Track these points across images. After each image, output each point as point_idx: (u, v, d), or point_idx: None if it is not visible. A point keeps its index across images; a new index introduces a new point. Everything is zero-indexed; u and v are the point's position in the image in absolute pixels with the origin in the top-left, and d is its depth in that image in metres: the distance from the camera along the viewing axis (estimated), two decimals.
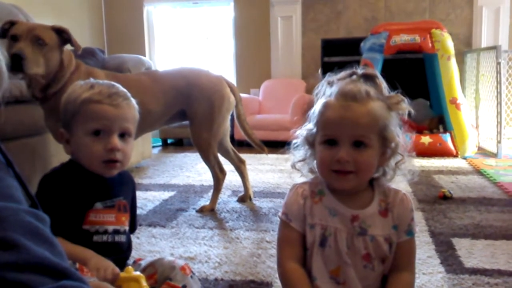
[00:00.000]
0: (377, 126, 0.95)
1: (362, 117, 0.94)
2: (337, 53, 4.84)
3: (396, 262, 1.01)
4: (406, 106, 1.00)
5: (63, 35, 1.97)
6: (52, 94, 1.95)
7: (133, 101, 1.21)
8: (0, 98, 0.60)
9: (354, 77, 1.00)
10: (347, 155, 0.93)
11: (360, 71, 1.01)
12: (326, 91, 1.01)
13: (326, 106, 0.98)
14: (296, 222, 1.02)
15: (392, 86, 1.02)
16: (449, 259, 1.67)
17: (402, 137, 0.99)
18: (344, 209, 0.99)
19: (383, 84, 1.01)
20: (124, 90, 1.20)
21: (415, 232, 1.02)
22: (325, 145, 0.97)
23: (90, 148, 1.12)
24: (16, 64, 1.77)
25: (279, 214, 1.06)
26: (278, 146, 3.94)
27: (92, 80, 1.21)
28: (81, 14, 5.19)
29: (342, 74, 1.02)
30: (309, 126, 1.03)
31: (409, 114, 1.01)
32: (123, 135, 1.16)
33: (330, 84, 1.01)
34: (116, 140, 1.13)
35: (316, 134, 1.00)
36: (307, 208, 1.01)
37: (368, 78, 1.00)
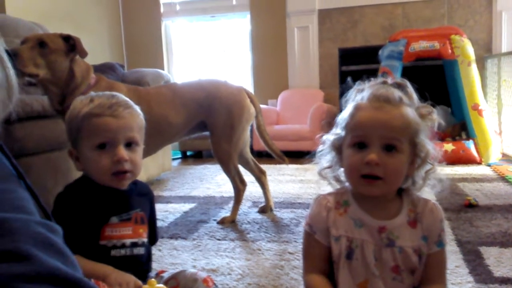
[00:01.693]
0: (409, 131, 0.93)
1: (395, 119, 0.92)
2: (354, 62, 4.82)
3: (427, 274, 0.97)
4: (436, 117, 0.98)
5: (70, 42, 1.98)
6: (69, 107, 1.97)
7: (137, 108, 1.18)
8: (12, 111, 0.60)
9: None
10: (377, 157, 0.90)
11: (390, 80, 1.00)
12: (357, 97, 0.99)
13: (357, 107, 0.96)
14: (320, 234, 1.00)
15: (420, 95, 1.01)
16: (478, 269, 1.63)
17: (432, 147, 0.97)
18: (371, 220, 0.97)
19: (414, 95, 0.99)
20: (126, 99, 1.17)
21: (445, 243, 0.99)
22: (354, 148, 0.94)
23: (97, 163, 1.11)
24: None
25: (304, 224, 1.04)
26: (297, 156, 3.89)
27: (92, 93, 1.19)
28: (100, 30, 5.28)
29: (373, 82, 1.01)
30: (337, 131, 1.01)
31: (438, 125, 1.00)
32: (129, 145, 1.14)
33: (360, 91, 0.99)
34: (122, 151, 1.11)
35: (344, 137, 0.98)
36: (331, 220, 0.99)
37: (399, 87, 0.98)
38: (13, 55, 1.80)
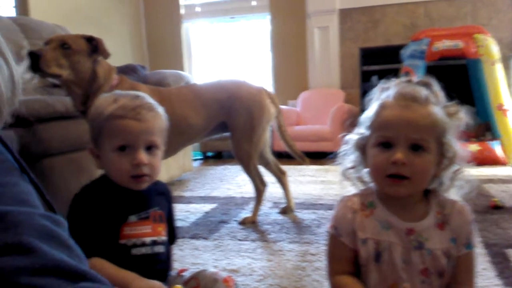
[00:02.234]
0: (436, 130, 0.90)
1: (422, 118, 0.89)
2: (376, 62, 4.77)
3: (455, 277, 0.95)
4: (463, 116, 0.95)
5: (93, 43, 1.99)
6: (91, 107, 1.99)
7: (160, 110, 1.16)
8: (16, 107, 0.61)
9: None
10: (404, 156, 0.88)
11: (415, 79, 0.97)
12: (382, 95, 0.96)
13: (383, 106, 0.93)
14: (347, 237, 0.97)
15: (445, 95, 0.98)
16: (506, 272, 1.58)
17: (460, 147, 0.94)
18: (398, 221, 0.94)
19: (440, 93, 0.96)
20: (150, 101, 1.15)
21: (474, 245, 0.96)
22: (380, 148, 0.92)
23: (117, 165, 1.10)
24: (32, 63, 1.84)
25: (328, 227, 1.01)
26: (317, 157, 3.84)
27: (117, 91, 1.18)
28: (122, 31, 5.34)
29: (397, 80, 0.98)
30: (361, 130, 0.98)
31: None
32: (150, 148, 1.12)
33: (385, 89, 0.97)
34: (141, 155, 1.10)
35: (369, 137, 0.95)
36: (357, 222, 0.96)
37: (425, 85, 0.95)
38: (36, 56, 1.83)
